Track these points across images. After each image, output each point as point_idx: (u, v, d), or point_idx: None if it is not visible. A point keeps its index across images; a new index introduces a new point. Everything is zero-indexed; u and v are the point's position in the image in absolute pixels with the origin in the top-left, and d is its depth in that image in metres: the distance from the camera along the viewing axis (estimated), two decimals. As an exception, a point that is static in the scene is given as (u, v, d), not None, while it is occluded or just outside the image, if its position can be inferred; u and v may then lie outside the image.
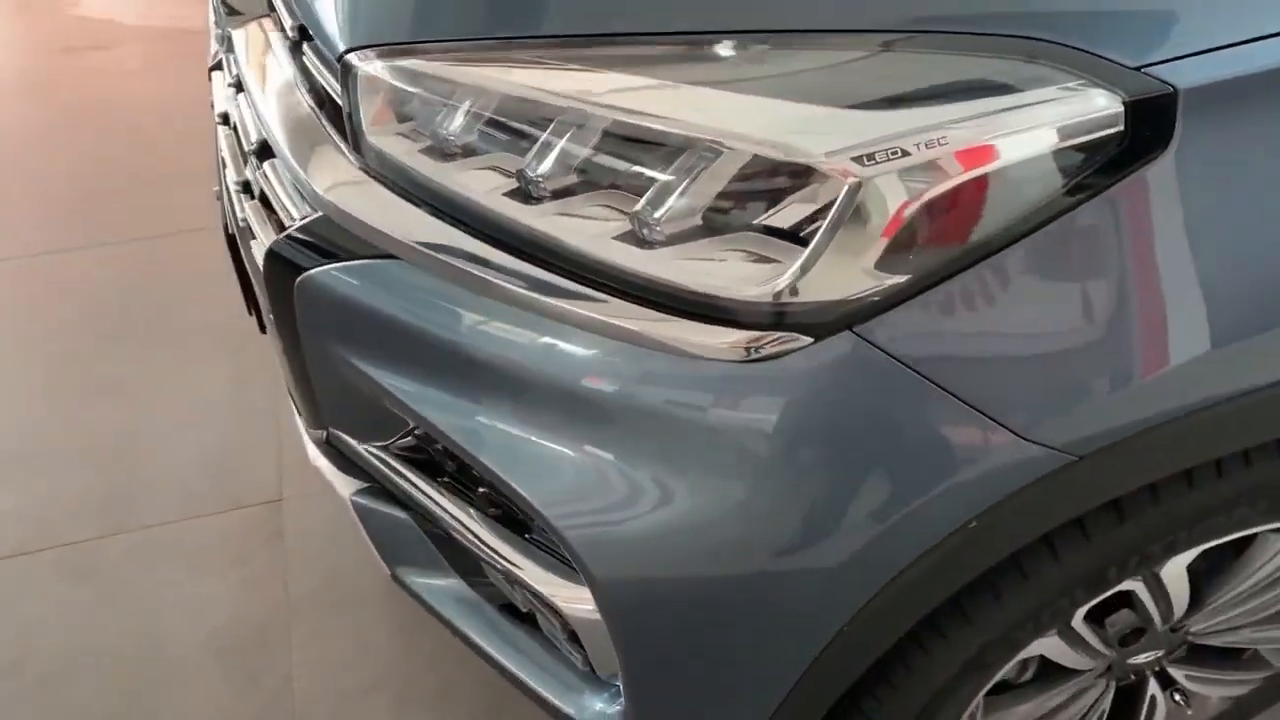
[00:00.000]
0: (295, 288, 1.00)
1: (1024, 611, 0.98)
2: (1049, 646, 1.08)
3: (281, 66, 1.13)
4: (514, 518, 1.06)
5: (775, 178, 0.75)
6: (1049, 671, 1.19)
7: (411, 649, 1.63)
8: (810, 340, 0.77)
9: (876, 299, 0.76)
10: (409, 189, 0.91)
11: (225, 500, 1.85)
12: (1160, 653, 1.22)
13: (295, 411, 1.29)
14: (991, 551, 0.87)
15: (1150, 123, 0.72)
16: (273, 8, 1.17)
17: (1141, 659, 1.21)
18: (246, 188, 1.16)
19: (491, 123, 0.86)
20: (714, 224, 0.77)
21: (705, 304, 0.78)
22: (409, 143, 0.90)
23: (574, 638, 1.08)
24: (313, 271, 0.98)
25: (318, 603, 1.69)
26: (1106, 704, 1.27)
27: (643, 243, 0.79)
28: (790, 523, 0.84)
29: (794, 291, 0.75)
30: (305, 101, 1.06)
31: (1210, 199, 0.75)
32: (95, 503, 1.85)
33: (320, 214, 0.99)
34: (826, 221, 0.73)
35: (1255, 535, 1.09)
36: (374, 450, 1.14)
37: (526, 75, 0.82)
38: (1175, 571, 1.04)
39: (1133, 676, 1.28)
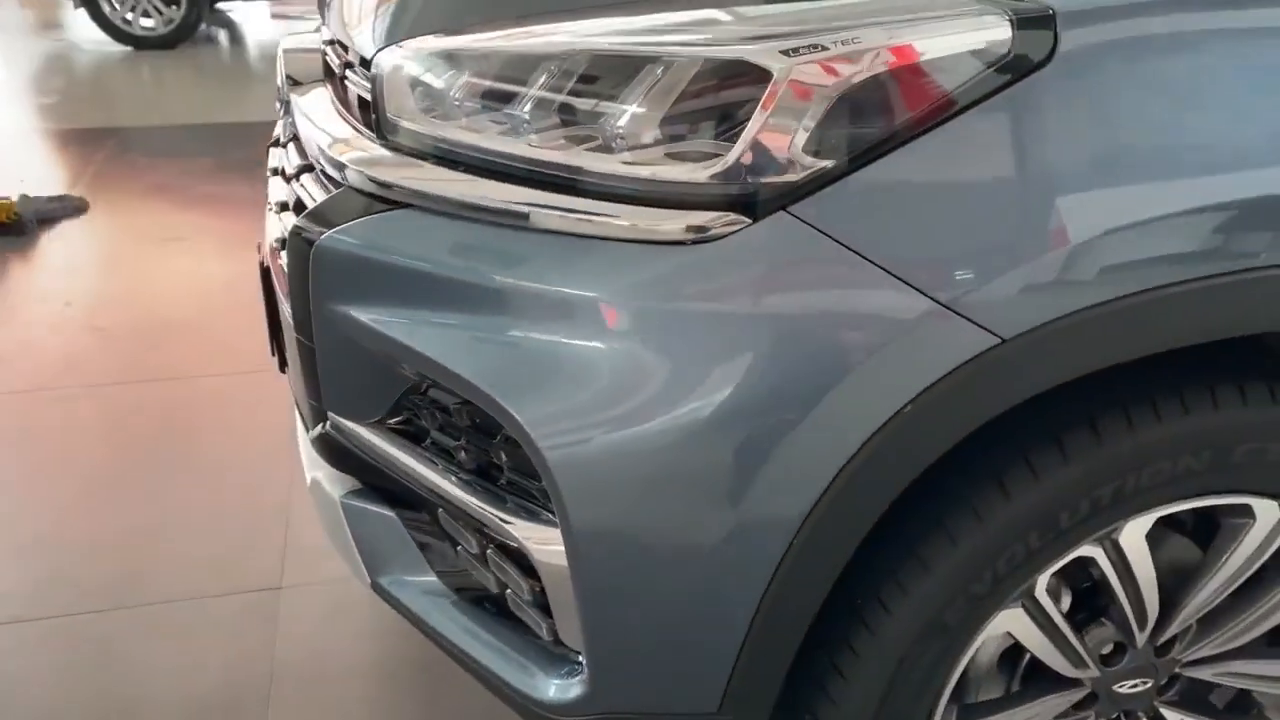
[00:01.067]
0: (311, 257, 1.13)
1: (979, 555, 0.99)
2: (1017, 625, 1.06)
3: (327, 107, 1.33)
4: (488, 472, 1.11)
5: (718, 84, 0.88)
6: (1029, 686, 1.16)
7: (389, 722, 1.59)
8: (749, 221, 0.87)
9: (806, 181, 0.86)
10: (423, 150, 1.06)
11: (227, 585, 1.87)
12: (1150, 683, 1.18)
13: (300, 422, 1.37)
14: (928, 444, 0.91)
15: (1034, 38, 0.86)
16: (329, 71, 1.38)
17: (1130, 688, 1.17)
18: (285, 206, 1.32)
19: (488, 90, 1.01)
20: (669, 130, 0.90)
21: (660, 194, 0.89)
22: (422, 115, 1.06)
23: (541, 604, 1.10)
24: (324, 238, 1.11)
25: (300, 678, 1.67)
26: (1099, 747, 1.21)
27: (610, 150, 0.92)
28: (741, 408, 0.90)
29: (733, 174, 0.87)
30: (345, 120, 1.24)
31: (1087, 102, 0.86)
32: (102, 581, 1.88)
33: (333, 194, 1.14)
34: (758, 107, 0.85)
35: (1219, 528, 1.10)
36: (368, 429, 1.21)
37: (506, 38, 0.99)
38: (1135, 540, 1.04)
39: (1125, 720, 1.23)
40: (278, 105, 1.62)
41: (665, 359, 0.91)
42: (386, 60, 1.08)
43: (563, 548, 1.00)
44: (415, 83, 1.06)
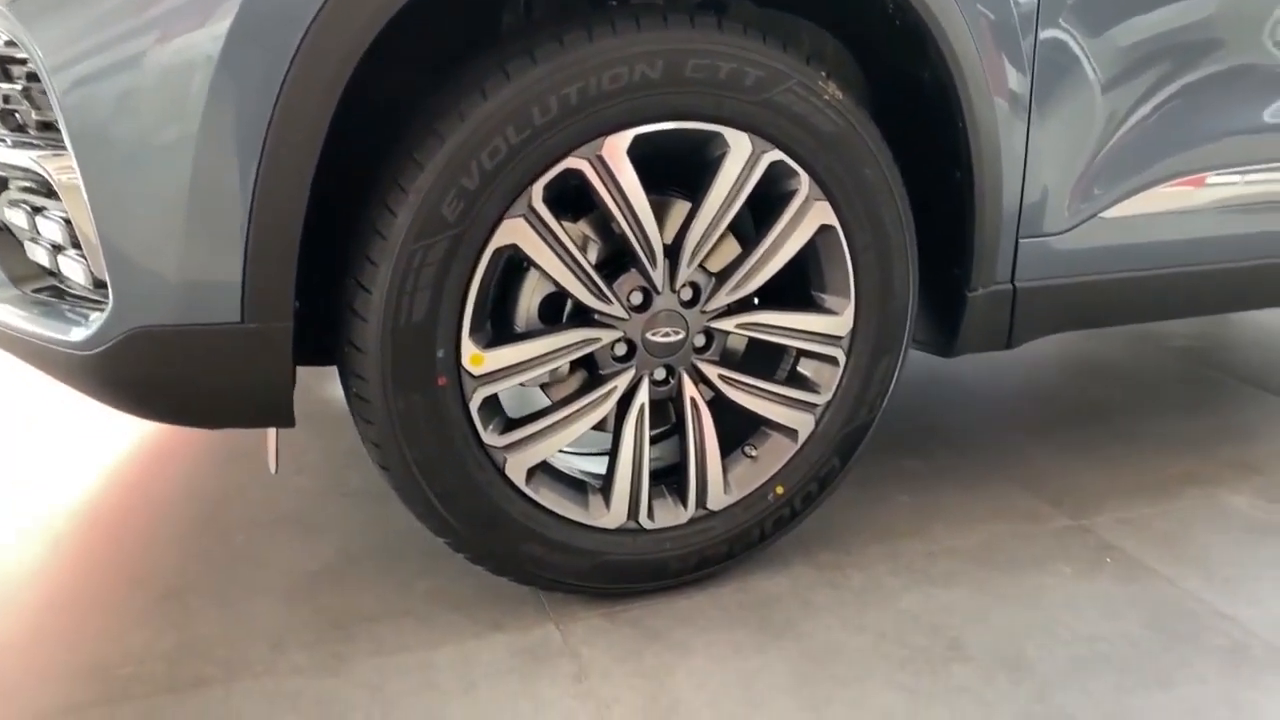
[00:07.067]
0: None
1: (465, 149, 1.12)
2: (521, 236, 1.18)
3: None
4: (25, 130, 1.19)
5: None
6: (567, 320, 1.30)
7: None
8: None
9: None
10: None
11: None
12: (682, 334, 1.30)
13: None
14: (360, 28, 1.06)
15: None
16: None
17: (663, 336, 1.29)
18: None
19: None
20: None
21: None
22: None
23: (76, 244, 1.15)
24: None
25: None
26: (643, 397, 1.31)
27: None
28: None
29: None
30: None
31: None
32: None
33: None
34: None
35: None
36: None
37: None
38: (616, 155, 1.19)
39: (671, 380, 1.33)
40: None
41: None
42: None
43: (77, 169, 1.07)
44: None
